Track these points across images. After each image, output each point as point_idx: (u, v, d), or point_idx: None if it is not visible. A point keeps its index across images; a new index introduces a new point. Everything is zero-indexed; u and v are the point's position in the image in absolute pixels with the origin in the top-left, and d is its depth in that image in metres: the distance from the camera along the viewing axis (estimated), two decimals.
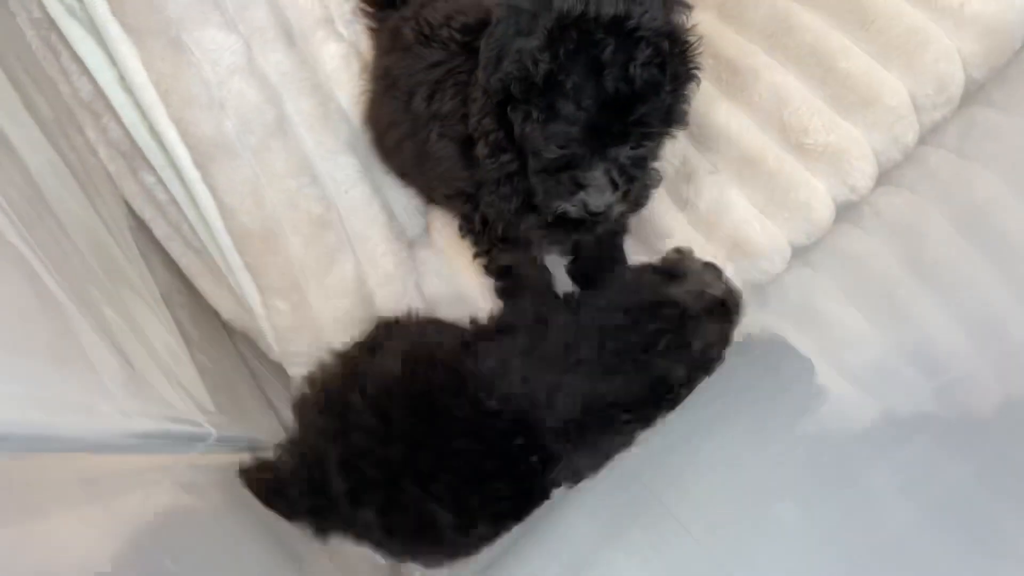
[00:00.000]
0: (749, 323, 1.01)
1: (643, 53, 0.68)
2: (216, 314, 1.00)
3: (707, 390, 0.88)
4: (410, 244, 1.02)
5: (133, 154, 0.98)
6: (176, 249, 1.01)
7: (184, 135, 0.91)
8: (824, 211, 0.97)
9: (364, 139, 1.01)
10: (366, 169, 0.99)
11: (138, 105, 0.93)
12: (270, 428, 1.02)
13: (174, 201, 0.97)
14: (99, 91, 0.96)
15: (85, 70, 0.95)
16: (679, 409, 0.85)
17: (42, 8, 0.96)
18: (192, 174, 0.92)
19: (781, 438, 0.98)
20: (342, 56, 1.00)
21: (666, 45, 0.70)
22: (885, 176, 1.00)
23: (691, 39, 0.74)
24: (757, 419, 1.00)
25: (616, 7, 0.68)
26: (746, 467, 0.95)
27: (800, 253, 1.00)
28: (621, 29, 0.68)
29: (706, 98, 1.01)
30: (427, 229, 1.05)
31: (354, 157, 0.98)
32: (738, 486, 0.94)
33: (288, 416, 1.06)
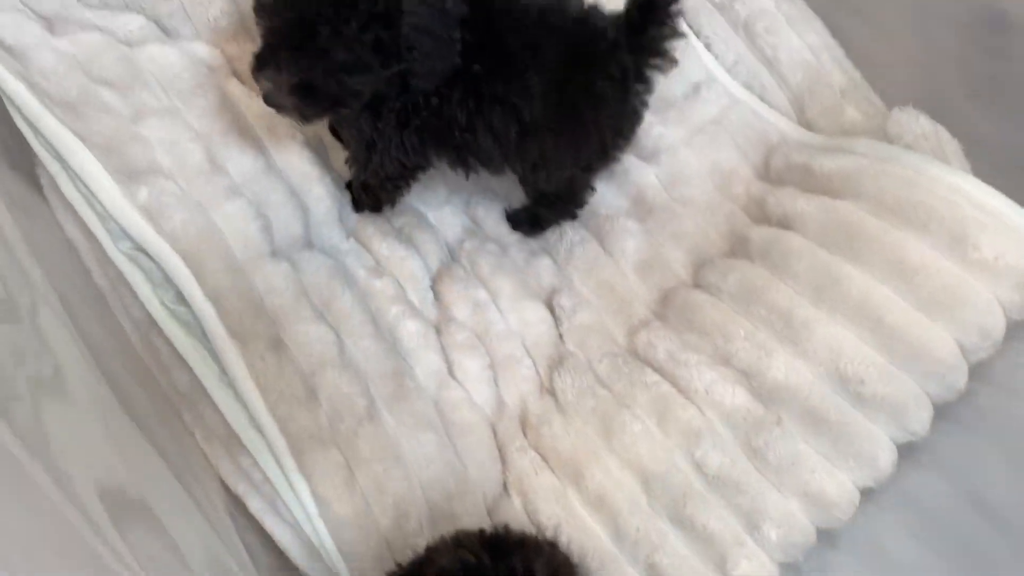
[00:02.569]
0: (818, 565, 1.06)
1: None
2: None
3: None
4: (489, 510, 1.06)
5: (228, 439, 1.04)
6: (269, 522, 1.05)
7: (283, 429, 0.97)
8: (888, 458, 1.01)
9: (439, 413, 1.07)
10: (445, 442, 1.05)
11: (237, 398, 1.00)
12: None
13: (268, 480, 1.03)
14: (196, 383, 1.03)
15: (185, 366, 1.02)
16: None
17: (143, 309, 1.04)
18: (289, 463, 0.98)
19: None
20: (421, 334, 1.08)
21: None
22: (939, 413, 1.05)
23: None
24: None
25: None
26: None
27: (867, 493, 1.04)
28: None
29: (763, 349, 1.07)
30: (505, 488, 1.09)
31: (433, 433, 1.04)
32: None
33: None
